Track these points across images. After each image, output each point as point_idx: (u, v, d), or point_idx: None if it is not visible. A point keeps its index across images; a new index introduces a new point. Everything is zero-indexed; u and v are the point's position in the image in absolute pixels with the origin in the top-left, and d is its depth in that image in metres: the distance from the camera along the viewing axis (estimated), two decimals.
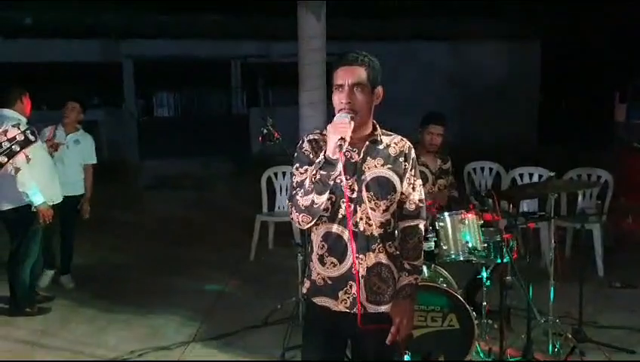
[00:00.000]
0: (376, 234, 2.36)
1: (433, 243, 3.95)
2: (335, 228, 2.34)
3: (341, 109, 2.29)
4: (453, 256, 3.96)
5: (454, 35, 14.34)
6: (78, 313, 5.12)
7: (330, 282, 2.38)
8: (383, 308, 2.40)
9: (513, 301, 4.56)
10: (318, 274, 2.41)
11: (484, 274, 4.12)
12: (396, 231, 2.47)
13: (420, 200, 2.47)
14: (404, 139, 2.46)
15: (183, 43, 13.20)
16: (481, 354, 3.90)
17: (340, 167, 2.19)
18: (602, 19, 12.37)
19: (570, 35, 14.45)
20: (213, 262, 6.48)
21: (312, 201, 2.22)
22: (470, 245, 3.93)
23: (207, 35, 13.12)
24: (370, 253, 2.36)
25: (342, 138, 2.15)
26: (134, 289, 5.65)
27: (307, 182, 2.23)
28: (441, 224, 3.97)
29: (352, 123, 2.21)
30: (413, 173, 2.43)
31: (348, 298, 2.37)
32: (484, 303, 4.12)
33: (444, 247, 3.95)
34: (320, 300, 2.41)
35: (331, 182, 2.21)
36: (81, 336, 4.64)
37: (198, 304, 5.26)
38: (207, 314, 5.04)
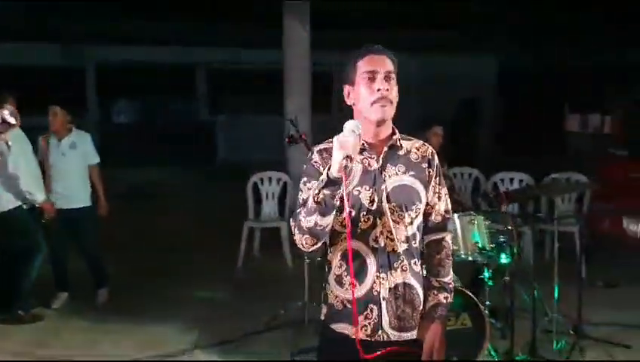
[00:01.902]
0: (399, 250, 2.08)
1: None
2: (353, 244, 2.05)
3: (378, 98, 2.05)
4: (463, 256, 4.04)
5: (416, 47, 14.57)
6: (71, 323, 4.95)
7: (349, 306, 2.06)
8: (408, 335, 2.12)
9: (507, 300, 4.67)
10: (337, 296, 2.12)
11: (487, 274, 4.23)
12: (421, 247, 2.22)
13: (446, 211, 2.22)
14: (426, 143, 2.23)
15: (148, 49, 13.00)
16: (493, 353, 3.97)
17: (342, 187, 1.92)
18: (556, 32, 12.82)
19: (525, 48, 14.91)
20: (201, 270, 6.37)
21: (316, 223, 1.97)
22: (480, 245, 4.02)
23: (172, 41, 12.95)
24: (393, 271, 2.08)
25: (348, 156, 1.87)
26: (126, 300, 5.48)
27: (310, 202, 1.96)
28: (451, 225, 4.04)
29: (360, 136, 1.94)
30: (438, 181, 2.18)
31: (369, 324, 2.08)
32: (488, 302, 4.21)
33: (455, 248, 4.01)
34: (338, 327, 2.12)
35: (336, 203, 1.96)
36: (77, 347, 4.49)
37: (194, 312, 5.18)
38: (204, 321, 4.95)
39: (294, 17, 6.87)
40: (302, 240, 2.04)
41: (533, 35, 13.10)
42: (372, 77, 2.07)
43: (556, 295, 4.31)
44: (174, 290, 5.74)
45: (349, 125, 1.94)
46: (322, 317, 2.19)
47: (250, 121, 14.15)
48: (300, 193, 2.11)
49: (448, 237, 2.24)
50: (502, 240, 4.19)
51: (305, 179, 2.12)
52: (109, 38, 12.54)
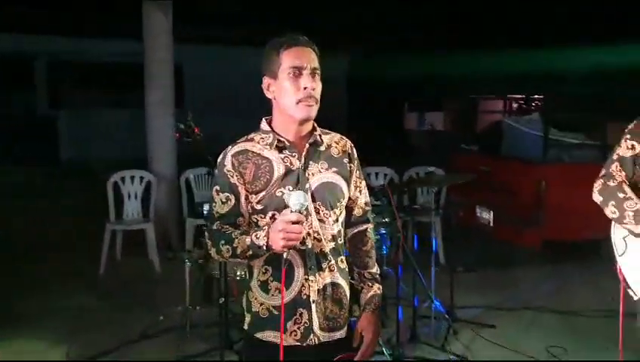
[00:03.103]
0: (326, 250, 2.02)
1: None
2: None
3: (305, 97, 1.95)
4: None
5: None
6: None
7: (276, 312, 1.99)
8: (338, 335, 2.07)
9: (386, 289, 4.85)
10: (262, 304, 2.03)
11: None
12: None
13: (366, 204, 2.21)
14: (344, 137, 2.18)
15: None
16: (380, 343, 4.09)
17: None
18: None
19: (374, 50, 15.56)
20: (61, 278, 5.83)
21: (240, 261, 2.06)
22: None
23: (7, 28, 11.75)
24: (322, 272, 2.02)
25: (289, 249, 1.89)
26: None
27: (238, 250, 1.93)
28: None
29: (304, 226, 1.91)
30: (358, 175, 2.17)
31: (298, 328, 2.01)
32: None
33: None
34: (264, 335, 2.03)
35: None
36: None
37: (60, 324, 4.75)
38: (73, 333, 4.55)
39: (156, 8, 6.54)
40: (219, 259, 2.07)
41: (381, 36, 13.74)
42: (298, 73, 1.96)
43: (433, 281, 4.57)
44: (34, 301, 5.23)
45: (295, 198, 1.84)
46: (246, 327, 2.09)
47: (97, 116, 13.32)
48: (214, 205, 2.04)
49: (370, 228, 2.24)
50: (383, 231, 4.35)
51: (217, 188, 2.03)
52: None
